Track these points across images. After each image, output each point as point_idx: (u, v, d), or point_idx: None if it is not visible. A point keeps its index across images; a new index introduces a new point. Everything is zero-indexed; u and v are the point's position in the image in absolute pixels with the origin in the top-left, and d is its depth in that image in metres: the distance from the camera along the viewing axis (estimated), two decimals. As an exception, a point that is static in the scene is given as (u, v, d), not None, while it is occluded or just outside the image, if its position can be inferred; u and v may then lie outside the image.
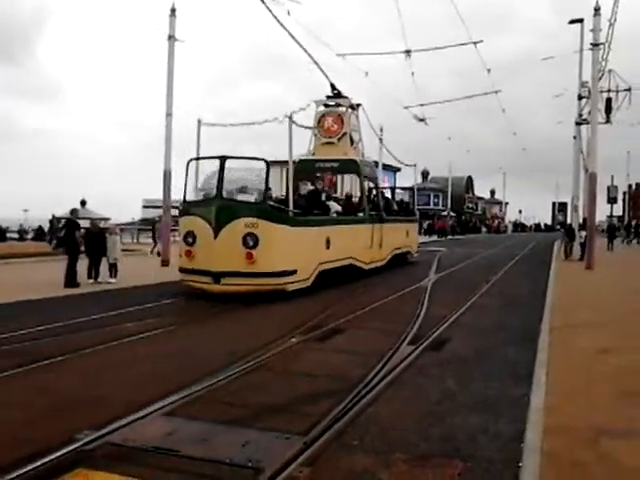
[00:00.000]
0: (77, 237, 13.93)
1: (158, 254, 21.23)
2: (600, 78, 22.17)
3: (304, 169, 17.10)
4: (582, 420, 5.06)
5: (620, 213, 70.41)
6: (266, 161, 13.19)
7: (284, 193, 15.34)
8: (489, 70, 24.05)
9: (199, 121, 14.47)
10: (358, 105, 18.88)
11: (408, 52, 19.16)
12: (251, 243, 12.13)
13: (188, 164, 13.93)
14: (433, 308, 11.16)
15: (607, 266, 20.91)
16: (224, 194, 12.72)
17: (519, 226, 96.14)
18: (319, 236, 14.24)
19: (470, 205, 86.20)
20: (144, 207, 66.23)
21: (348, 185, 24.08)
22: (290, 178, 13.92)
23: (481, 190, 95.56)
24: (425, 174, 73.28)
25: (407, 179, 38.40)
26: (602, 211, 56.86)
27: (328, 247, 14.49)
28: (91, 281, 14.16)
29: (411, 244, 23.09)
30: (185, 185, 13.94)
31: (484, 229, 79.30)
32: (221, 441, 4.57)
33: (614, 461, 4.23)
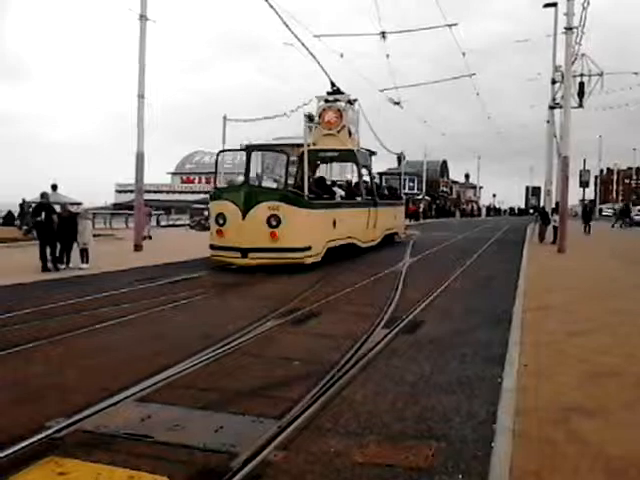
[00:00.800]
0: (54, 221, 13.71)
1: (149, 237, 23.21)
2: (573, 62, 22.39)
3: (308, 158, 17.92)
4: (553, 400, 5.14)
5: (592, 197, 71.43)
6: (287, 153, 15.38)
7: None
8: (464, 53, 24.13)
9: (224, 117, 16.94)
10: (355, 100, 20.76)
11: (383, 34, 19.09)
12: (274, 223, 14.24)
13: (218, 155, 16.60)
14: (407, 292, 11.22)
15: (579, 249, 21.22)
16: (251, 181, 14.97)
17: (493, 210, 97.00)
18: (328, 218, 16.31)
19: (445, 189, 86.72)
20: (117, 192, 65.63)
21: (336, 172, 25.84)
22: (305, 167, 16.31)
23: (456, 174, 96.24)
24: (401, 157, 73.40)
25: (383, 162, 38.49)
26: (575, 195, 57.77)
27: (334, 227, 16.59)
28: (63, 267, 13.96)
29: (399, 226, 25.65)
30: (215, 174, 16.69)
31: (458, 213, 79.88)
32: (195, 426, 4.55)
33: (582, 439, 4.32)
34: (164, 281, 12.22)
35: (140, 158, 19.06)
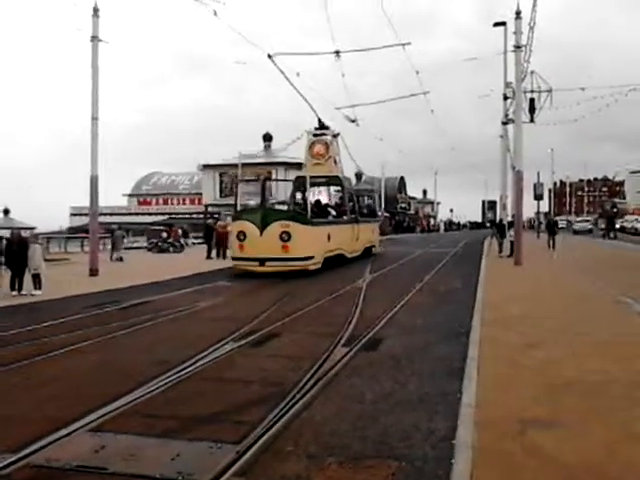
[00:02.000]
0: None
1: (118, 259, 24.62)
2: (523, 79, 22.92)
3: (302, 183, 22.14)
4: (510, 413, 5.17)
5: (546, 209, 73.09)
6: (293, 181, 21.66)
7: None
8: (417, 72, 24.51)
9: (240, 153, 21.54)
10: (337, 134, 24.50)
11: (337, 53, 19.28)
12: (286, 238, 17.81)
13: (237, 184, 22.51)
14: (368, 308, 11.23)
15: (536, 262, 21.60)
16: (266, 205, 19.39)
17: (451, 224, 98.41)
18: (324, 233, 19.97)
19: (403, 205, 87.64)
20: (72, 215, 64.28)
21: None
22: (308, 193, 20.79)
23: (414, 190, 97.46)
24: (359, 175, 74.02)
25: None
26: (530, 207, 59.02)
27: (329, 241, 20.21)
28: (14, 293, 13.57)
29: (376, 240, 29.23)
30: (236, 198, 21.28)
31: (418, 228, 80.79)
32: (151, 455, 4.43)
33: (538, 451, 4.35)
34: (118, 306, 11.97)
35: (94, 181, 18.73)
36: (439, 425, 4.97)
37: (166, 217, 50.54)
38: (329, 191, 26.45)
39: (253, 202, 19.69)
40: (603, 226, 38.72)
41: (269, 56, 20.09)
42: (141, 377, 6.41)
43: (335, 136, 24.37)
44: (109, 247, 32.60)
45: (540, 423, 4.93)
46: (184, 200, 64.42)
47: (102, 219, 30.16)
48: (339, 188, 25.22)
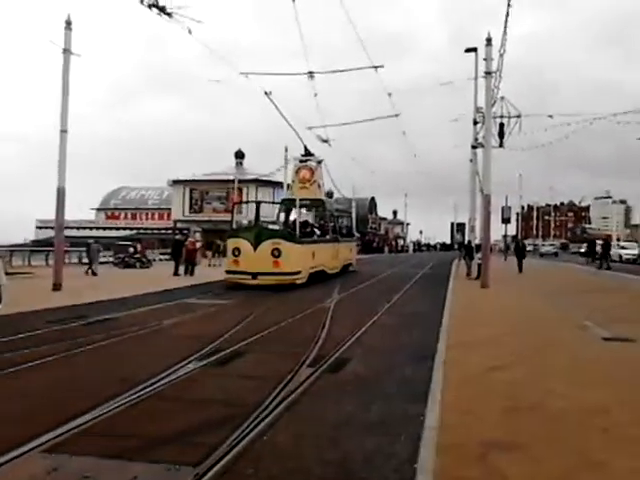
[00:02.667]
0: None
1: (93, 274, 25.11)
2: (493, 104, 23.33)
3: (288, 205, 25.85)
4: (472, 436, 5.17)
5: (514, 232, 74.18)
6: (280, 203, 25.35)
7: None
8: (390, 94, 24.76)
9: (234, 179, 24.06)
10: (322, 160, 26.93)
11: (311, 74, 19.40)
12: (277, 254, 19.75)
13: (234, 206, 27.75)
14: (334, 329, 11.19)
15: (503, 285, 21.82)
16: (260, 224, 21.91)
17: (421, 245, 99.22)
18: (310, 251, 22.07)
19: (373, 225, 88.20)
20: (38, 228, 63.18)
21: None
22: (298, 214, 23.40)
23: (384, 210, 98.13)
24: (330, 195, 74.29)
25: None
26: (498, 230, 59.89)
27: (314, 258, 22.23)
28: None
29: (353, 258, 31.70)
30: (232, 218, 23.65)
31: (387, 249, 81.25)
32: (106, 477, 4.32)
33: (498, 475, 4.34)
34: (80, 322, 11.73)
35: (61, 193, 18.43)
36: (401, 449, 4.93)
37: (134, 232, 49.91)
38: (313, 212, 28.74)
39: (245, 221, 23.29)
40: (583, 250, 34.50)
41: (246, 75, 20.25)
42: (100, 396, 6.25)
43: (319, 162, 26.81)
44: (76, 261, 32.21)
45: (502, 446, 4.93)
46: (153, 215, 63.93)
47: (68, 233, 29.73)
48: (322, 210, 27.75)
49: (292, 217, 26.05)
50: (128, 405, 6.08)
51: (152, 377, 7.12)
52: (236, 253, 20.23)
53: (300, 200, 23.61)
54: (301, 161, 26.52)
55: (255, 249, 19.89)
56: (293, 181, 26.81)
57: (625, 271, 30.62)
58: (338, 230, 28.15)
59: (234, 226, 22.76)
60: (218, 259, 34.87)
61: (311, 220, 27.78)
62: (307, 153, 26.33)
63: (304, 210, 27.29)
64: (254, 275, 19.71)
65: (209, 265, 33.15)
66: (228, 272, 20.74)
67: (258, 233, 20.40)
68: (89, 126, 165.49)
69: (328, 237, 25.85)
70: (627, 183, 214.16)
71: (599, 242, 35.70)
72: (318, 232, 25.65)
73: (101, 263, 33.38)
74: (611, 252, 37.25)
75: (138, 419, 5.70)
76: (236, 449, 4.85)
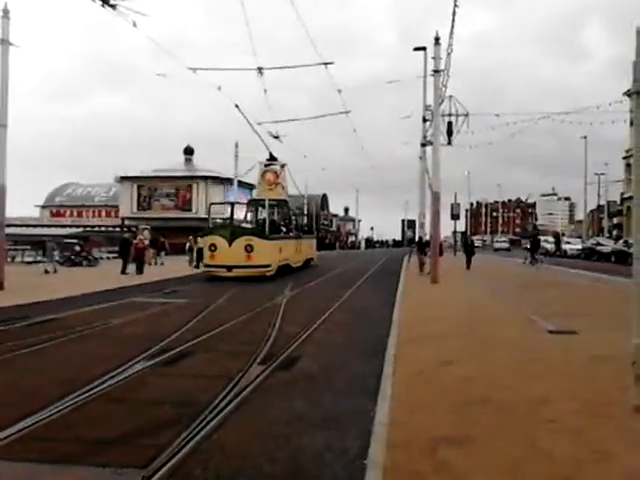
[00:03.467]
0: None
1: (49, 271, 25.09)
2: (441, 103, 23.64)
3: (255, 204, 29.16)
4: (423, 431, 5.20)
5: (463, 229, 75.46)
6: (247, 203, 28.90)
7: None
8: (339, 90, 24.82)
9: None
10: (285, 164, 29.73)
11: (260, 70, 19.25)
12: (249, 249, 22.45)
13: (210, 206, 28.87)
14: (286, 326, 11.14)
15: (453, 280, 22.16)
16: (234, 223, 25.29)
17: (373, 242, 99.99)
18: (277, 246, 24.58)
19: (325, 222, 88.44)
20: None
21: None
22: (266, 214, 25.80)
23: (335, 207, 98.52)
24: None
25: None
26: (447, 227, 60.89)
27: (281, 252, 24.82)
28: None
29: (314, 253, 34.50)
30: (209, 217, 26.75)
31: (338, 245, 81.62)
32: (48, 483, 4.16)
33: (449, 469, 4.38)
34: (24, 323, 11.36)
35: (1, 190, 17.79)
36: (351, 445, 4.93)
37: (80, 230, 48.67)
38: (277, 211, 30.28)
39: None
40: (528, 246, 34.67)
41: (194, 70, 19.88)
42: (43, 399, 6.05)
43: (282, 166, 29.51)
44: (30, 260, 31.49)
45: (452, 441, 4.97)
46: (100, 212, 62.41)
47: (11, 230, 28.84)
48: (286, 209, 30.34)
49: (260, 216, 28.69)
50: (72, 408, 5.89)
51: (98, 378, 6.93)
52: (212, 249, 22.68)
53: (260, 200, 26.57)
54: (266, 165, 28.93)
55: (230, 245, 22.43)
56: (259, 183, 29.27)
57: (569, 266, 31.54)
58: (300, 227, 31.36)
59: (210, 225, 25.72)
60: (161, 258, 33.91)
61: (276, 218, 29.39)
62: (272, 158, 28.65)
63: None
64: (229, 268, 22.25)
65: (150, 264, 30.44)
66: (206, 265, 23.28)
67: (233, 231, 23.15)
68: (26, 121, 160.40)
69: (292, 234, 28.53)
70: (571, 180, 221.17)
71: (544, 237, 36.69)
72: (284, 229, 28.06)
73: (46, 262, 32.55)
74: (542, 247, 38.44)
75: (82, 422, 5.53)
76: (184, 450, 4.76)
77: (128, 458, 4.61)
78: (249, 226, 26.77)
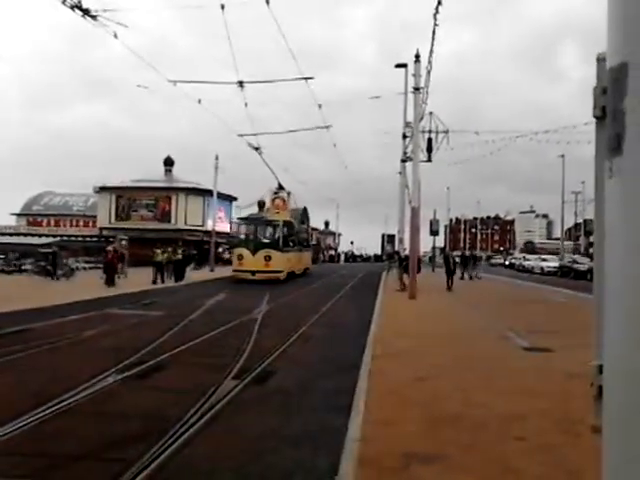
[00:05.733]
0: None
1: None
2: (421, 119, 23.83)
3: (267, 225, 33.79)
4: (395, 447, 5.18)
5: (442, 244, 76.02)
6: (267, 220, 33.57)
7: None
8: (320, 105, 24.92)
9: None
10: (289, 193, 36.20)
11: (241, 83, 19.21)
12: (268, 259, 29.24)
13: (239, 225, 37.98)
14: (261, 340, 11.07)
15: (430, 296, 22.21)
16: (258, 237, 32.18)
17: (354, 256, 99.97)
18: (287, 257, 31.29)
19: (305, 236, 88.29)
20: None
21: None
22: (281, 232, 31.34)
23: (316, 221, 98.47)
24: (261, 204, 74.04)
25: (248, 210, 41.81)
26: (427, 242, 61.31)
27: (289, 261, 31.63)
28: None
29: (310, 264, 42.53)
30: (238, 233, 36.94)
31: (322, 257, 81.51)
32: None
33: (420, 487, 4.36)
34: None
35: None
36: (322, 461, 4.90)
37: (58, 239, 47.99)
38: (286, 230, 34.22)
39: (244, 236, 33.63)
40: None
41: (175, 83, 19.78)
42: (10, 412, 5.93)
43: (288, 194, 36.17)
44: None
45: (423, 457, 4.96)
46: (77, 222, 61.70)
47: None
48: (290, 228, 34.76)
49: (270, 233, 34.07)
50: (40, 422, 5.78)
51: (68, 391, 6.82)
52: (240, 257, 30.02)
53: (276, 221, 32.60)
54: (275, 193, 35.51)
55: (253, 255, 29.41)
56: (268, 207, 35.98)
57: (544, 282, 31.82)
58: (301, 242, 37.91)
59: (239, 239, 34.39)
60: (125, 269, 31.06)
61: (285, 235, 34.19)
62: (280, 187, 35.07)
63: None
64: (253, 272, 28.88)
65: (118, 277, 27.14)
66: (235, 270, 30.37)
67: (255, 245, 30.46)
68: (3, 129, 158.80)
69: (296, 247, 35.09)
70: (549, 198, 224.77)
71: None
72: (291, 244, 33.56)
73: (20, 271, 32.07)
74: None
75: (50, 436, 5.43)
76: (153, 465, 4.69)
77: (94, 474, 4.55)
78: (268, 241, 32.10)
